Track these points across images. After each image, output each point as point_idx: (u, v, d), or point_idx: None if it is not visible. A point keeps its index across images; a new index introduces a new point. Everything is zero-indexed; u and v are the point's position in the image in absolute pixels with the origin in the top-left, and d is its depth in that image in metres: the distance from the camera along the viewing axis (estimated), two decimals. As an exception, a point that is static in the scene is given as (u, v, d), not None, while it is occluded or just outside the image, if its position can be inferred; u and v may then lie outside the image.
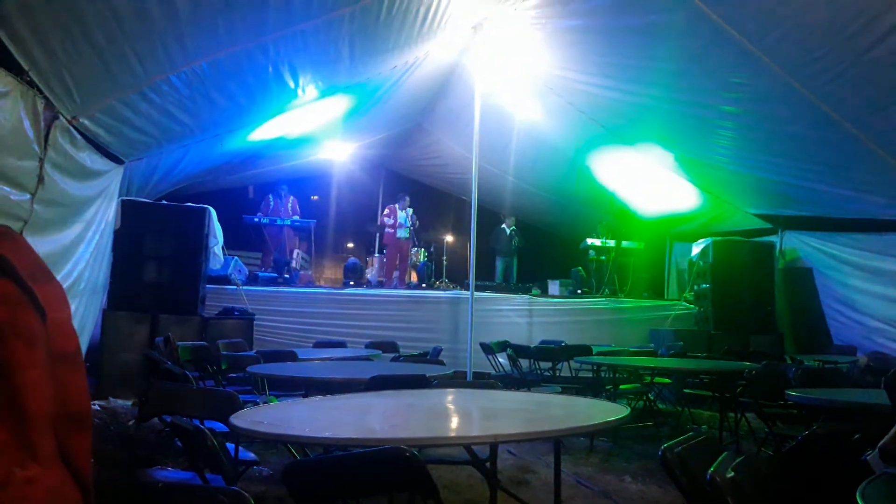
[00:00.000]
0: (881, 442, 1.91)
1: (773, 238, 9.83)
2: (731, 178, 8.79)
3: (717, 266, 9.39)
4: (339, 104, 8.52)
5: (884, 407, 2.16)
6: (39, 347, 0.87)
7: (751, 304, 9.19)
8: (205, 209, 8.13)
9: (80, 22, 4.36)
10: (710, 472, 1.66)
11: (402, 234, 11.56)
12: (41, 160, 5.04)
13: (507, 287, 10.95)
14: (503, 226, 12.47)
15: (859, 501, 1.60)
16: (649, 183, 10.12)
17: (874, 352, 7.97)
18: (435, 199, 14.91)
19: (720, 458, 1.78)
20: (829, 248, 9.10)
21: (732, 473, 1.65)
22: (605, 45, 6.91)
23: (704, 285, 9.65)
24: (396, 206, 11.78)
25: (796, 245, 9.63)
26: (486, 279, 11.41)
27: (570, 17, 6.70)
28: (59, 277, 5.61)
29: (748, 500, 1.65)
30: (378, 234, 12.67)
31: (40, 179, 5.08)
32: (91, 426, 0.98)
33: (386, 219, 11.75)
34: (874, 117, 6.08)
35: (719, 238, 9.84)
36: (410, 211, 11.72)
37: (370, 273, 12.16)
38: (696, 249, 10.23)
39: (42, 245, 5.31)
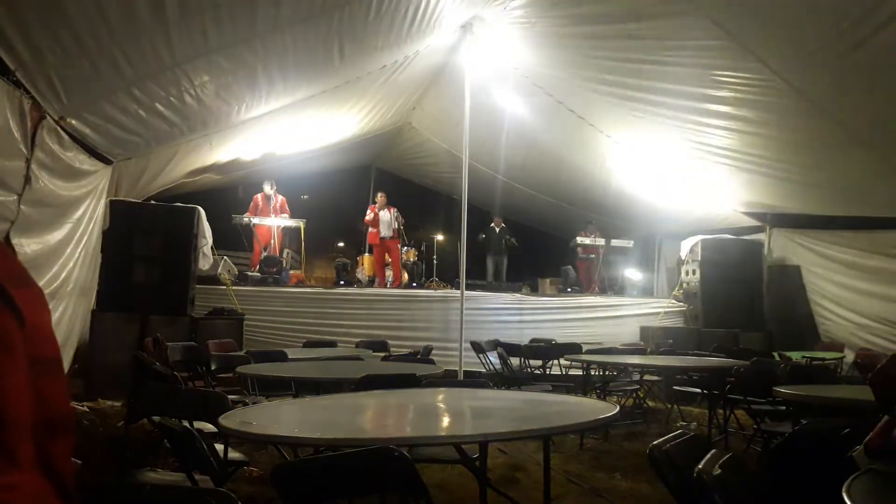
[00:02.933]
0: (866, 438, 1.93)
1: (761, 236, 9.90)
2: (721, 176, 8.84)
3: (705, 264, 9.44)
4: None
5: (869, 403, 2.18)
6: (18, 353, 0.86)
7: (739, 302, 9.24)
8: (194, 209, 8.10)
9: (67, 22, 4.34)
10: (696, 469, 1.68)
11: (385, 233, 11.51)
12: (28, 160, 5.01)
13: (497, 286, 10.97)
14: (493, 225, 12.49)
15: (845, 497, 1.62)
16: (639, 180, 10.15)
17: (861, 348, 8.03)
18: (425, 199, 14.90)
19: (707, 455, 1.79)
20: (817, 246, 9.16)
21: (719, 471, 1.66)
22: (594, 43, 6.93)
23: (693, 283, 9.70)
24: (375, 205, 11.75)
25: (784, 243, 9.69)
26: (477, 278, 11.42)
27: (559, 16, 6.72)
28: (46, 278, 5.59)
29: (735, 497, 1.66)
30: (366, 234, 12.63)
31: (27, 180, 5.05)
32: (72, 431, 0.98)
33: (368, 218, 11.71)
34: (863, 115, 6.13)
35: (708, 236, 9.89)
36: (393, 210, 11.66)
37: (360, 273, 12.13)
38: (685, 247, 10.27)
39: (29, 246, 5.29)
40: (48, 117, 5.17)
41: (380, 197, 11.80)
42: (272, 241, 10.90)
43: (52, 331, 0.96)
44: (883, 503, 1.59)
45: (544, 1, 6.59)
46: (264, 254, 10.65)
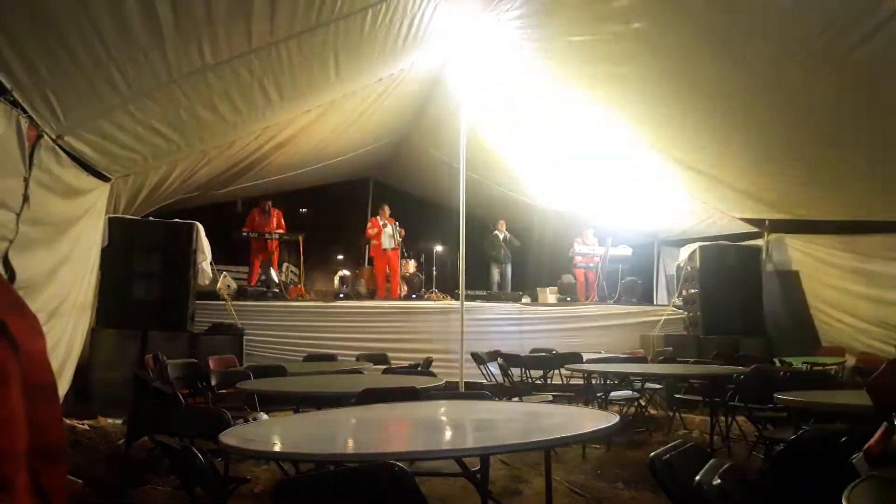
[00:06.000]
0: (866, 445, 1.93)
1: (759, 241, 9.91)
2: (717, 182, 8.85)
3: (704, 270, 9.45)
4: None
5: (869, 409, 2.18)
6: (12, 382, 0.87)
7: (739, 308, 9.24)
8: (192, 224, 8.12)
9: (62, 40, 4.36)
10: (696, 479, 1.68)
11: (387, 245, 11.55)
12: (26, 179, 5.02)
13: (497, 296, 10.97)
14: (496, 232, 12.49)
15: (845, 504, 1.62)
16: (637, 188, 10.17)
17: (862, 352, 8.03)
18: (424, 210, 14.92)
19: (707, 464, 1.79)
20: (815, 251, 9.17)
21: (719, 480, 1.66)
22: (589, 53, 6.95)
23: (693, 290, 9.70)
24: (378, 217, 11.78)
25: (783, 248, 9.70)
26: (481, 287, 11.42)
27: (553, 27, 6.75)
28: (46, 296, 5.59)
29: (735, 505, 1.66)
30: (366, 247, 12.66)
31: (25, 199, 5.05)
32: (66, 457, 0.98)
33: (371, 231, 11.74)
34: (856, 120, 6.14)
35: (706, 242, 9.90)
36: (395, 222, 11.70)
37: (360, 285, 12.13)
38: (683, 254, 10.28)
39: (28, 265, 5.28)
40: (45, 136, 5.18)
41: (384, 209, 11.84)
42: (271, 256, 10.92)
43: (46, 358, 0.97)
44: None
45: (538, 11, 6.62)
46: (263, 268, 10.66)
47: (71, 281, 6.35)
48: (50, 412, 0.95)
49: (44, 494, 0.90)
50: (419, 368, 6.65)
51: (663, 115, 7.48)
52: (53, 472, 0.93)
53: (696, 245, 9.81)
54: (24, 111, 4.78)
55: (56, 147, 5.44)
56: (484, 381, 7.31)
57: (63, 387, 6.36)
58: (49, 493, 0.91)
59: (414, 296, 11.51)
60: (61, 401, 6.24)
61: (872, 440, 1.91)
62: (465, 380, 7.68)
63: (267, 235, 10.87)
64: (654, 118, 7.68)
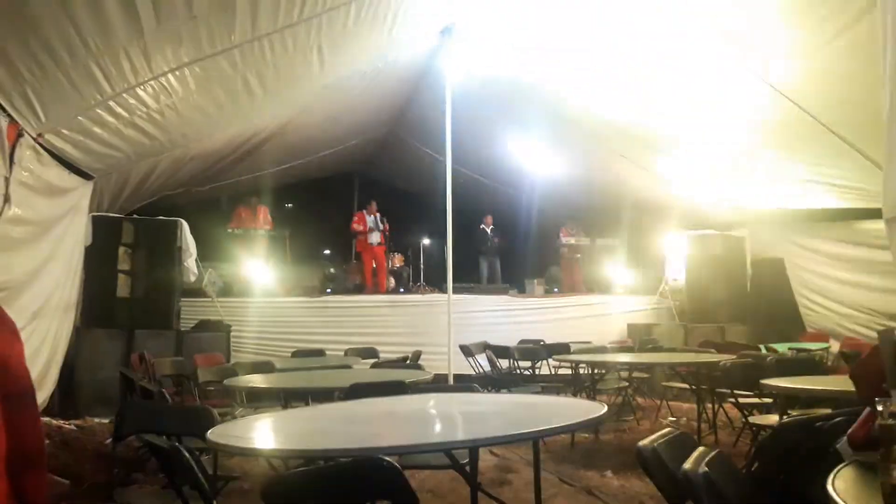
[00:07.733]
0: (850, 430, 1.95)
1: (744, 230, 9.96)
2: (701, 172, 8.89)
3: (690, 260, 9.50)
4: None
5: (853, 394, 2.20)
6: None
7: (724, 296, 9.31)
8: (177, 222, 8.06)
9: (41, 38, 4.30)
10: (683, 467, 1.69)
11: (373, 239, 11.55)
12: (7, 179, 4.96)
13: (485, 288, 10.99)
14: (482, 225, 12.51)
15: (829, 489, 1.63)
16: (621, 179, 10.19)
17: (847, 338, 8.10)
18: (411, 204, 14.88)
19: (694, 453, 1.81)
20: (799, 238, 9.22)
21: (706, 468, 1.67)
22: (576, 46, 6.96)
23: (678, 279, 9.76)
24: (364, 212, 11.77)
25: (767, 236, 9.75)
26: (469, 280, 11.42)
27: (539, 19, 6.74)
28: (28, 297, 5.53)
29: (721, 493, 1.68)
30: (353, 241, 12.65)
31: (6, 198, 5.00)
32: (45, 463, 0.98)
33: (356, 226, 11.72)
34: (839, 107, 6.16)
35: (692, 232, 9.95)
36: (380, 216, 11.70)
37: (347, 280, 12.12)
38: (669, 244, 10.33)
39: (11, 265, 5.23)
40: (26, 134, 5.12)
41: (371, 205, 11.83)
42: (259, 252, 10.89)
43: (24, 364, 0.96)
44: (866, 494, 1.61)
45: (524, 4, 6.61)
46: (250, 264, 10.62)
47: (54, 281, 6.29)
48: (28, 418, 0.95)
49: (23, 499, 0.90)
50: (408, 362, 6.66)
51: (649, 105, 7.50)
52: (33, 477, 0.93)
53: (681, 234, 9.86)
54: (3, 109, 4.72)
55: (37, 145, 5.37)
56: (472, 372, 7.32)
57: (48, 387, 6.31)
58: (29, 497, 0.91)
59: (402, 289, 11.51)
60: (47, 401, 6.20)
61: (856, 425, 1.93)
62: (453, 372, 7.70)
63: (253, 231, 10.84)
64: (639, 108, 7.69)
